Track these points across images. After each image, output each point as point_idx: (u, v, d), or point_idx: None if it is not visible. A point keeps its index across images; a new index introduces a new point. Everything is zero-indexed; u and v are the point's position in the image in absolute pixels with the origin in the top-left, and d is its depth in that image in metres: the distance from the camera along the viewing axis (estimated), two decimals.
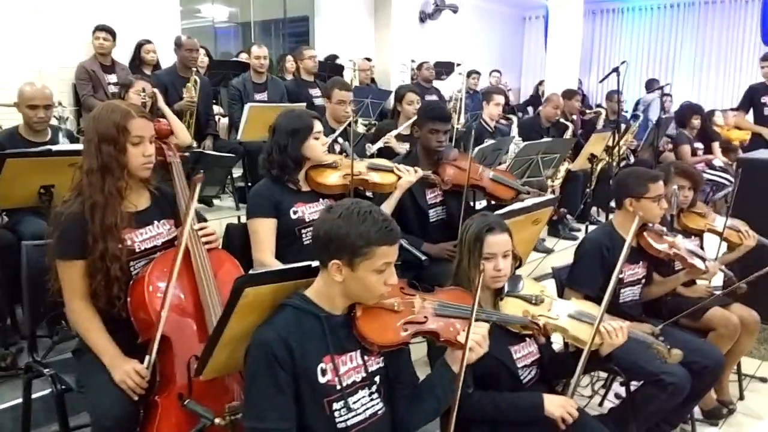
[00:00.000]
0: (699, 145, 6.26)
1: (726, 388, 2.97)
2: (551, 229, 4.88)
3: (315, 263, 1.55)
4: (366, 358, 1.58)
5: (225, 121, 5.34)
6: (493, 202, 3.14)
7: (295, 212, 2.39)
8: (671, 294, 2.85)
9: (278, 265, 2.22)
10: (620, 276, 2.52)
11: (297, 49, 6.07)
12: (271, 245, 2.35)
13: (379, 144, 4.02)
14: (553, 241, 4.67)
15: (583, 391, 2.88)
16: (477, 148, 3.77)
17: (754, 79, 7.49)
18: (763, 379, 3.26)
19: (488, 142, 4.35)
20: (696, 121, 6.11)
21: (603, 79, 5.01)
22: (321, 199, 2.47)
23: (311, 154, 2.40)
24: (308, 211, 2.42)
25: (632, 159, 5.99)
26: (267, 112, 3.63)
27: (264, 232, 2.35)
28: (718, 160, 6.09)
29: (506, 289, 2.05)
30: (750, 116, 6.04)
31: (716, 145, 6.35)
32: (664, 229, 2.75)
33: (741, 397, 3.09)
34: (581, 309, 2.08)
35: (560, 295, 2.59)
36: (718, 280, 3.01)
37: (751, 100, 5.90)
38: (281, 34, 9.05)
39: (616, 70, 4.42)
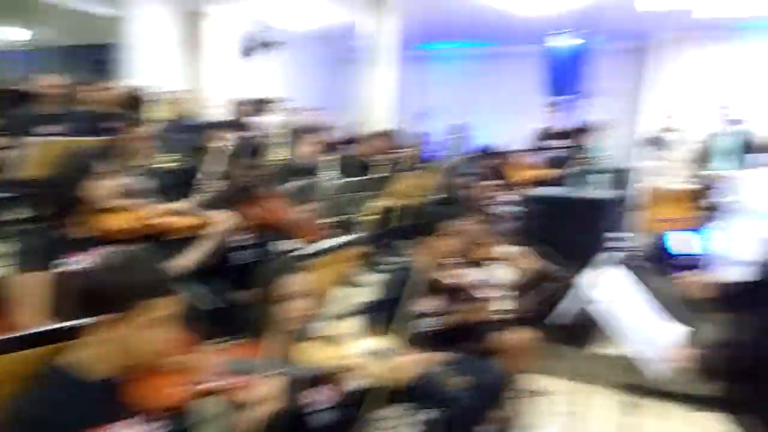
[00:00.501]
0: (494, 182, 6.93)
1: (513, 405, 3.24)
2: (361, 264, 5.01)
3: (80, 322, 1.40)
4: (148, 424, 1.45)
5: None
6: (302, 241, 3.16)
7: (71, 263, 2.12)
8: (465, 320, 3.07)
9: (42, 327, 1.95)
10: (419, 309, 2.68)
11: (98, 78, 5.64)
12: (41, 303, 2.04)
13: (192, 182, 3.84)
14: (364, 276, 4.79)
15: (386, 424, 2.96)
16: (290, 186, 3.78)
17: (541, 124, 8.55)
18: (535, 393, 3.60)
19: (303, 179, 4.38)
20: (492, 161, 6.79)
21: (410, 122, 5.34)
22: (104, 247, 2.21)
23: (93, 195, 2.20)
24: (87, 261, 2.13)
25: (439, 196, 6.43)
26: (54, 147, 3.28)
27: (31, 287, 2.06)
28: (510, 196, 6.80)
29: (307, 330, 2.05)
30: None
31: (508, 183, 7.09)
32: (460, 261, 2.97)
33: (520, 412, 3.38)
34: (380, 345, 2.15)
35: (368, 331, 2.67)
36: (507, 303, 3.31)
37: (537, 142, 6.72)
38: (81, 61, 8.36)
39: (421, 113, 4.75)
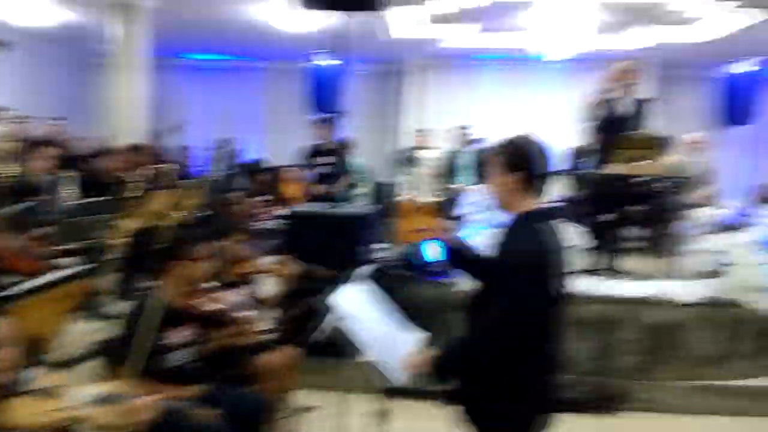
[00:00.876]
0: (263, 197, 6.85)
1: (285, 427, 3.16)
2: (101, 295, 4.46)
3: None
4: None
5: None
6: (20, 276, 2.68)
7: None
8: (222, 347, 2.91)
9: None
10: (167, 341, 2.45)
11: None
12: None
13: None
14: (108, 308, 4.29)
15: None
16: (9, 209, 3.21)
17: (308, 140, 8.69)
18: (308, 408, 3.59)
19: (31, 199, 3.78)
20: (262, 176, 6.72)
21: (166, 135, 4.98)
22: None
23: None
24: None
25: (200, 215, 6.12)
26: None
27: None
28: (278, 211, 6.77)
29: (17, 384, 1.71)
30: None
31: (279, 198, 7.06)
32: (216, 284, 2.80)
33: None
34: (107, 391, 1.89)
35: (102, 373, 2.35)
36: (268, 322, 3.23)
37: (307, 158, 6.75)
38: None
39: (177, 126, 4.44)
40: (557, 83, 9.77)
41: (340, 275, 3.08)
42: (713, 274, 4.09)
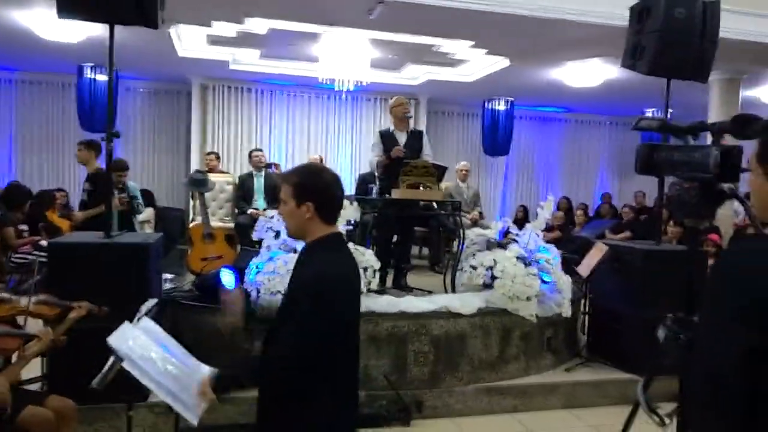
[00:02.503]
0: (25, 227, 6.03)
1: None
2: None
3: None
4: None
5: None
6: None
7: None
8: None
9: None
10: None
11: None
12: None
13: None
14: None
15: None
16: None
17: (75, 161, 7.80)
18: None
19: None
20: (25, 204, 5.94)
21: None
22: None
23: None
24: None
25: None
26: None
27: None
28: (45, 241, 5.98)
29: None
30: None
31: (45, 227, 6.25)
32: None
33: None
34: None
35: None
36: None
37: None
38: None
39: None
40: (346, 112, 10.23)
41: (117, 312, 2.81)
42: (486, 287, 4.58)
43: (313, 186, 1.91)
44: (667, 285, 4.51)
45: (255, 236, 4.47)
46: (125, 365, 1.80)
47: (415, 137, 5.25)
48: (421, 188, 4.65)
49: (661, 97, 5.02)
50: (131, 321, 2.07)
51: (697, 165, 1.70)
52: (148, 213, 7.93)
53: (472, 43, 6.80)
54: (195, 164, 9.37)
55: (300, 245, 4.06)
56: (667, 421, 1.72)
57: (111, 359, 2.10)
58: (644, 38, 4.74)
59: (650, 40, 4.67)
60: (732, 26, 4.99)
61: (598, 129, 12.32)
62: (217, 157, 7.92)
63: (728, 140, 1.67)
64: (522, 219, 9.38)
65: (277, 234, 4.23)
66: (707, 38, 4.71)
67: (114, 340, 1.85)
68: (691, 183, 1.72)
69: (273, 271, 3.97)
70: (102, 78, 8.45)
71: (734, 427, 1.16)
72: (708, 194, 1.69)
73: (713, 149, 1.65)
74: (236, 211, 6.77)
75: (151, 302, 2.54)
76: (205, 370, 1.95)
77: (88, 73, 8.38)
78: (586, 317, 5.17)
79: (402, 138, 5.19)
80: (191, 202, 7.57)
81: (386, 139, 5.18)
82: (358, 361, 2.00)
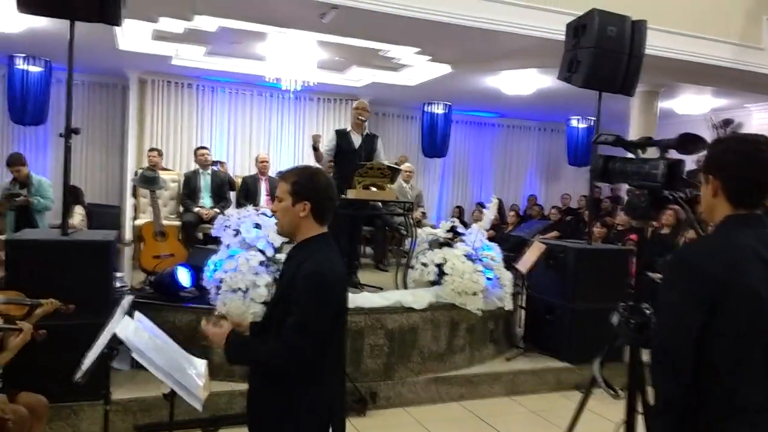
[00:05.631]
0: None
1: None
2: None
3: None
4: None
5: None
6: None
7: None
8: None
9: None
10: None
11: None
12: None
13: None
14: None
15: None
16: None
17: None
18: None
19: None
20: None
21: None
22: None
23: None
24: None
25: None
26: None
27: None
28: None
29: None
30: None
31: None
32: None
33: None
34: None
35: None
36: None
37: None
38: None
39: None
40: (288, 111, 10.27)
41: (82, 310, 2.83)
42: (435, 282, 4.84)
43: (311, 186, 2.02)
44: (596, 280, 5.00)
45: (213, 234, 4.52)
46: (135, 355, 1.89)
47: (370, 140, 5.45)
48: (375, 189, 4.85)
49: (585, 106, 5.43)
50: (102, 317, 2.14)
51: (646, 175, 2.00)
52: (78, 211, 7.69)
53: (419, 49, 7.06)
54: (131, 160, 9.14)
55: (262, 244, 4.16)
56: (621, 393, 2.01)
57: (95, 353, 2.17)
58: (579, 53, 5.14)
59: (585, 55, 5.08)
60: (653, 43, 5.45)
61: (527, 134, 12.94)
62: (160, 154, 7.79)
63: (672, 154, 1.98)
64: (458, 219, 9.77)
65: (237, 232, 4.30)
66: (635, 54, 5.17)
67: (121, 332, 1.93)
68: (641, 190, 2.02)
69: (234, 268, 4.04)
70: (35, 69, 8.12)
71: (685, 385, 1.45)
72: (655, 200, 1.99)
73: (661, 162, 1.94)
74: (181, 209, 6.72)
75: (128, 298, 2.61)
76: (200, 362, 2.06)
77: (21, 64, 8.03)
78: (523, 310, 5.53)
79: (357, 140, 5.37)
80: (133, 200, 7.43)
81: (341, 138, 5.34)
82: (345, 347, 2.17)
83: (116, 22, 3.83)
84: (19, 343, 2.30)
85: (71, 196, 7.78)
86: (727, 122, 10.30)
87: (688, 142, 1.87)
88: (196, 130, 9.57)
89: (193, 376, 1.96)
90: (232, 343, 1.94)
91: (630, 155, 2.13)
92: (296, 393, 1.93)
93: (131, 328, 1.98)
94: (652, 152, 2.11)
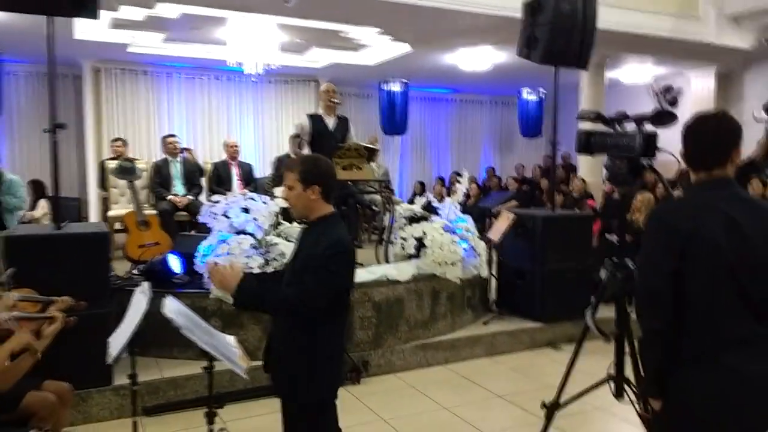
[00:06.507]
0: None
1: None
2: None
3: None
4: None
5: None
6: None
7: None
8: None
9: None
10: None
11: None
12: None
13: None
14: None
15: None
16: None
17: None
18: None
19: None
20: None
21: None
22: None
23: None
24: None
25: None
26: None
27: None
28: None
29: None
30: None
31: None
32: None
33: None
34: None
35: None
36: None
37: None
38: None
39: None
40: (248, 94, 10.26)
41: (84, 300, 2.94)
42: (413, 256, 5.11)
43: (317, 171, 2.26)
44: (562, 244, 5.38)
45: (200, 221, 4.64)
46: (184, 332, 2.07)
47: (344, 123, 5.61)
48: (354, 169, 5.04)
49: (536, 78, 5.68)
50: (102, 307, 2.29)
51: (624, 147, 2.29)
52: (41, 205, 7.59)
53: (380, 30, 7.22)
54: (91, 150, 9.00)
55: (251, 227, 4.31)
56: (611, 339, 2.32)
57: (123, 337, 2.34)
58: (537, 30, 5.44)
59: (542, 32, 5.37)
60: (600, 17, 5.78)
61: (480, 108, 13.31)
62: (125, 144, 7.72)
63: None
64: (420, 193, 10.07)
65: (222, 217, 4.43)
66: (587, 30, 5.49)
67: (169, 312, 2.10)
68: (621, 160, 2.31)
69: (227, 252, 4.19)
70: None
71: (667, 320, 1.76)
72: (633, 167, 2.29)
73: (637, 135, 2.23)
74: (154, 198, 6.74)
75: (146, 284, 2.76)
76: (231, 338, 2.25)
77: None
78: (495, 277, 5.88)
79: (331, 122, 5.53)
80: (99, 191, 7.37)
81: (315, 122, 5.49)
82: (350, 305, 2.40)
83: (93, 15, 3.86)
84: (53, 330, 2.43)
85: (37, 190, 7.69)
86: (668, 89, 10.87)
87: (661, 116, 2.16)
88: (155, 118, 9.47)
89: (231, 347, 2.15)
90: (245, 285, 2.11)
91: (606, 129, 2.42)
92: (317, 332, 2.16)
93: (173, 307, 2.16)
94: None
